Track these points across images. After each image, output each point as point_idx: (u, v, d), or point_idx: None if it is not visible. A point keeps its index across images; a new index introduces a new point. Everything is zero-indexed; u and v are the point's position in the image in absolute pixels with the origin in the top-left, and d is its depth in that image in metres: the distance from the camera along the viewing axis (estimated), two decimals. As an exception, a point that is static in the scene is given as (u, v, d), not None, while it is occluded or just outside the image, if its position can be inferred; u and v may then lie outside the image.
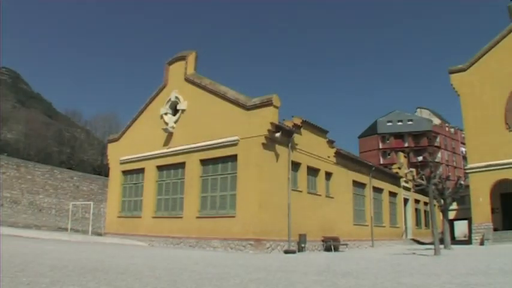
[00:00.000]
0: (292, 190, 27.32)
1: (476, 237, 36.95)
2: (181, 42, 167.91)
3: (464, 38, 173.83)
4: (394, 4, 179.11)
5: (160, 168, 31.48)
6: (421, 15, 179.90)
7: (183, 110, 30.53)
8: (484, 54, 40.40)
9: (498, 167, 37.17)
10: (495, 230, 37.18)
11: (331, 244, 29.45)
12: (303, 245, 26.87)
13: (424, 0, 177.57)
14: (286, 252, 24.81)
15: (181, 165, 29.50)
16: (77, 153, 75.60)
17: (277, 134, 25.78)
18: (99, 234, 34.65)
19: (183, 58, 32.01)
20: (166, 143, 30.87)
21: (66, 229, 35.42)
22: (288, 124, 27.93)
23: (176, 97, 31.22)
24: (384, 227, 41.52)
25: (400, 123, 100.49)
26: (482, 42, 50.66)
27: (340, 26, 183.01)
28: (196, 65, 31.46)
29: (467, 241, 41.95)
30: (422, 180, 26.95)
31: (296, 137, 28.30)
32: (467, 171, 40.95)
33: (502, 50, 39.47)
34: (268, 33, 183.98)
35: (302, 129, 29.30)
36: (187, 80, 30.91)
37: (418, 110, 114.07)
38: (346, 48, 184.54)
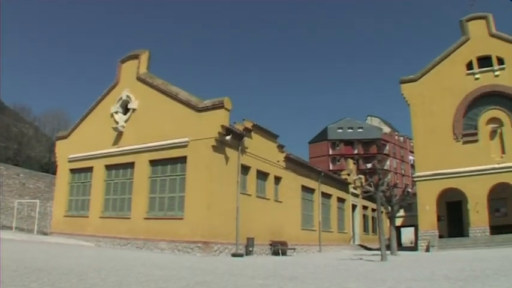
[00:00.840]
0: (241, 193, 27.48)
1: (422, 244, 37.93)
2: (136, 41, 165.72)
3: (416, 49, 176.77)
4: (347, 13, 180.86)
5: (109, 167, 31.01)
6: (374, 25, 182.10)
7: (133, 110, 30.23)
8: (435, 66, 41.94)
9: (445, 176, 38.41)
10: (440, 237, 38.40)
11: (279, 248, 29.62)
12: (250, 249, 27.06)
13: (377, 10, 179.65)
14: (233, 255, 24.86)
15: (131, 165, 29.19)
16: (24, 149, 73.84)
17: (228, 137, 25.88)
18: (45, 234, 34.04)
19: (136, 57, 31.74)
20: (116, 142, 30.46)
21: (10, 228, 34.65)
22: (239, 127, 28.04)
23: (127, 96, 30.86)
24: (332, 232, 42.08)
25: (350, 131, 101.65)
26: (434, 54, 51.77)
27: (294, 27, 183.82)
28: (149, 64, 31.22)
29: (414, 247, 42.76)
30: (371, 187, 27.35)
31: (246, 140, 28.46)
32: (415, 179, 42.07)
33: (453, 63, 41.10)
34: (227, 35, 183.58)
35: (253, 133, 29.51)
36: (139, 79, 30.65)
37: (369, 118, 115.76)
38: (299, 53, 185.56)
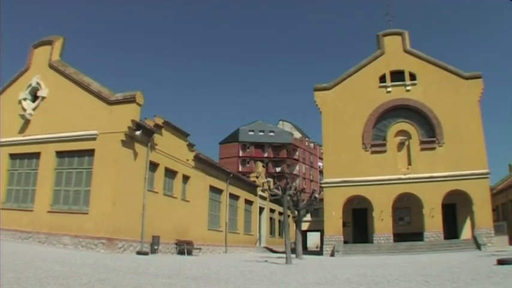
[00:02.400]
0: (148, 190, 27.49)
1: (327, 249, 39.10)
2: (53, 27, 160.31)
3: (332, 58, 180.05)
4: (264, 18, 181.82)
5: (13, 156, 29.59)
6: (292, 32, 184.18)
7: (43, 97, 29.22)
8: (349, 76, 43.71)
9: (352, 184, 40.12)
10: (345, 242, 40.08)
11: (184, 248, 29.80)
12: (156, 247, 27.13)
13: (295, 16, 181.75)
14: (138, 253, 24.85)
15: (37, 155, 28.17)
16: None
17: (138, 132, 25.88)
18: None
19: (49, 43, 30.76)
20: (23, 130, 29.26)
21: None
22: (150, 123, 28.16)
23: (37, 83, 29.77)
24: (238, 233, 42.62)
25: (261, 134, 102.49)
26: (350, 64, 53.14)
27: (212, 25, 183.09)
28: (62, 51, 30.36)
29: (319, 252, 43.72)
30: (278, 190, 27.82)
31: (156, 137, 28.60)
32: (322, 185, 43.38)
33: (366, 75, 43.11)
34: (147, 30, 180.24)
35: (163, 130, 29.63)
36: (51, 66, 29.76)
37: (281, 122, 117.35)
38: (216, 54, 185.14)
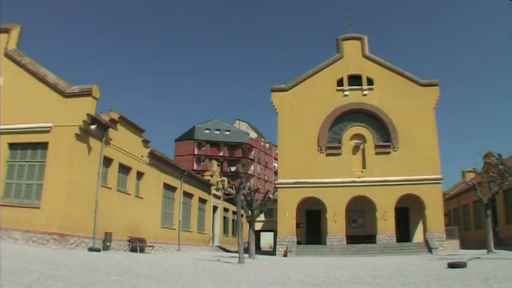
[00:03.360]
0: (102, 186, 27.33)
1: (280, 249, 39.56)
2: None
3: (291, 60, 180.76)
4: (224, 15, 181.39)
5: None
6: (249, 35, 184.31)
7: (-3, 87, 28.62)
8: (307, 78, 44.25)
9: (306, 185, 40.67)
10: (298, 243, 40.53)
11: (137, 245, 29.69)
12: (108, 244, 26.98)
13: (254, 14, 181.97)
14: (90, 249, 24.61)
15: (-12, 147, 27.61)
16: None
17: (93, 127, 25.76)
18: None
19: (6, 31, 29.76)
20: (-26, 120, 28.68)
21: None
22: (105, 118, 28.00)
23: (-9, 72, 29.09)
24: (192, 232, 42.59)
25: (217, 132, 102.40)
26: (309, 66, 53.49)
27: (173, 22, 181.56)
28: (19, 40, 29.55)
29: (272, 252, 43.97)
30: (232, 189, 27.94)
31: (111, 132, 28.45)
32: (277, 185, 43.66)
33: (324, 78, 43.76)
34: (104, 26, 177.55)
35: (118, 125, 29.54)
36: (7, 55, 28.94)
37: (237, 121, 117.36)
38: (175, 50, 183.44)
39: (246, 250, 31.83)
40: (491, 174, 31.57)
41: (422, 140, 40.52)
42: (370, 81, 42.97)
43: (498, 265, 17.18)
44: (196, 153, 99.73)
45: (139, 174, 32.81)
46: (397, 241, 38.97)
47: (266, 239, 72.11)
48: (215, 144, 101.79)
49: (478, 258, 23.90)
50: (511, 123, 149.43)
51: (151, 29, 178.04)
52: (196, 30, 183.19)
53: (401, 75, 43.00)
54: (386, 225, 38.90)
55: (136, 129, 32.19)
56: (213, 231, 49.78)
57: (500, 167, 26.21)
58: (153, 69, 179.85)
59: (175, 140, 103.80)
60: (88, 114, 25.17)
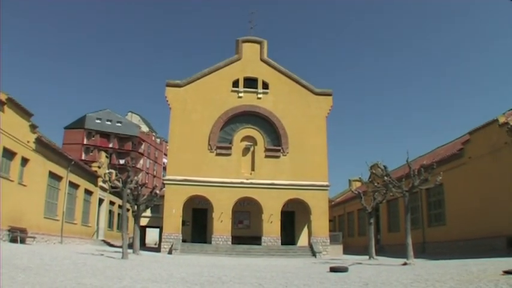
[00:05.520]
0: (-17, 170, 26.03)
1: (165, 246, 39.39)
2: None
3: (188, 56, 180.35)
4: (125, 5, 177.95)
5: None
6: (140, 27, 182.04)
7: None
8: (203, 76, 44.43)
9: (194, 183, 40.80)
10: (184, 241, 40.58)
11: (18, 235, 28.60)
12: (-15, 232, 25.72)
13: (154, 7, 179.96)
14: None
15: None
16: None
17: (-23, 107, 24.57)
18: None
19: None
20: None
21: None
22: (-8, 99, 26.75)
23: None
24: (76, 224, 41.59)
25: (109, 123, 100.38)
26: (205, 64, 53.71)
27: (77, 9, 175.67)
28: None
29: (157, 249, 43.68)
30: (119, 182, 27.65)
31: (-3, 113, 27.15)
32: (164, 182, 43.44)
33: (220, 78, 44.20)
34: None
35: (5, 107, 28.33)
36: None
37: (130, 114, 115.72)
38: (71, 35, 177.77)
39: (131, 245, 31.57)
40: (376, 184, 33.01)
41: (312, 147, 41.95)
42: (265, 85, 43.94)
43: (378, 271, 18.04)
44: (85, 142, 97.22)
45: (24, 161, 31.56)
46: (282, 244, 40.13)
47: (152, 235, 71.78)
48: (105, 135, 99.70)
49: (360, 263, 25.01)
50: (394, 138, 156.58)
51: (50, 9, 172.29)
52: (99, 17, 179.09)
53: (297, 82, 44.32)
54: (272, 227, 39.85)
55: (25, 113, 31.04)
56: (97, 224, 48.87)
57: (385, 178, 27.38)
58: (48, 52, 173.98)
59: (65, 128, 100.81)
60: (-28, 94, 24.16)
